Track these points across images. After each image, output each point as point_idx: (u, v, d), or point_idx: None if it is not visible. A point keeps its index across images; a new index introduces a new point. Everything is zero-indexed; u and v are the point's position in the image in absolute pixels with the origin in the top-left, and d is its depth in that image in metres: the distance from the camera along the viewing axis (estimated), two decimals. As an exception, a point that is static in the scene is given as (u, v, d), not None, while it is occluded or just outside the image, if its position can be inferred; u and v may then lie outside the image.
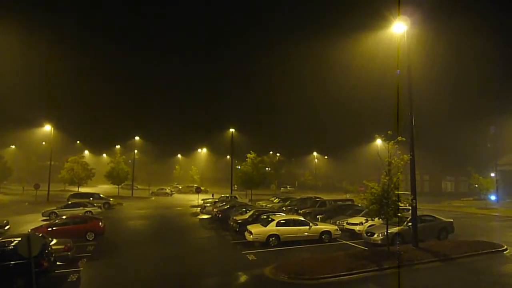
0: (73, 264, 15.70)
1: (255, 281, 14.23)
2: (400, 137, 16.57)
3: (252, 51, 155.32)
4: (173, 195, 64.96)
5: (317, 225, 21.50)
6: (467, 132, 65.71)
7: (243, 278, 14.72)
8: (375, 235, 19.17)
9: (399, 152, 16.86)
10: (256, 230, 19.89)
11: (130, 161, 67.97)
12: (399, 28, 18.17)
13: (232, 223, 24.54)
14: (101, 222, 22.15)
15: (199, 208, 37.98)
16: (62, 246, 15.74)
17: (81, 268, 15.43)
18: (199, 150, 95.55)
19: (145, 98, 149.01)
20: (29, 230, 20.12)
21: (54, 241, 15.86)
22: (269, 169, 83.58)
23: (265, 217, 22.46)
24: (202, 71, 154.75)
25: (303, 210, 31.70)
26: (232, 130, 51.37)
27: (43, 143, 75.73)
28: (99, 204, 35.63)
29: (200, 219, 32.56)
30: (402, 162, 16.56)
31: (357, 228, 22.31)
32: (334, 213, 27.93)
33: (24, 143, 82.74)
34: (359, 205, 27.66)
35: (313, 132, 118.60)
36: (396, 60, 19.16)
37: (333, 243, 20.51)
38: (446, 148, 70.12)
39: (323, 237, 20.66)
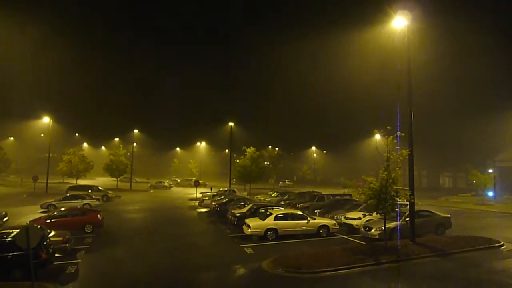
0: (72, 256, 15.75)
1: (253, 274, 14.30)
2: (399, 132, 16.57)
3: (251, 45, 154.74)
4: (171, 188, 65.01)
5: (315, 219, 21.57)
6: (466, 127, 65.72)
7: (240, 271, 14.80)
8: (373, 230, 19.24)
9: (398, 147, 16.86)
10: (254, 224, 19.95)
11: (128, 153, 67.94)
12: (399, 23, 18.08)
13: (230, 217, 24.58)
14: (100, 215, 22.15)
15: (197, 202, 38.06)
16: (61, 238, 15.77)
17: (80, 260, 15.48)
18: (198, 143, 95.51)
19: (144, 91, 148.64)
20: (28, 222, 20.09)
21: (53, 233, 15.86)
22: (268, 163, 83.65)
23: (263, 211, 22.49)
24: (201, 64, 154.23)
25: (301, 204, 31.75)
26: (231, 124, 51.28)
27: (42, 135, 75.59)
28: (98, 197, 35.63)
29: (199, 212, 32.62)
30: (401, 158, 16.57)
31: (355, 222, 22.39)
32: (332, 207, 27.97)
33: (22, 135, 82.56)
34: (357, 199, 27.73)
35: (312, 127, 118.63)
36: (397, 55, 19.11)
37: (331, 237, 20.59)
38: (445, 143, 70.20)
39: (321, 231, 20.73)
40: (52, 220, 20.54)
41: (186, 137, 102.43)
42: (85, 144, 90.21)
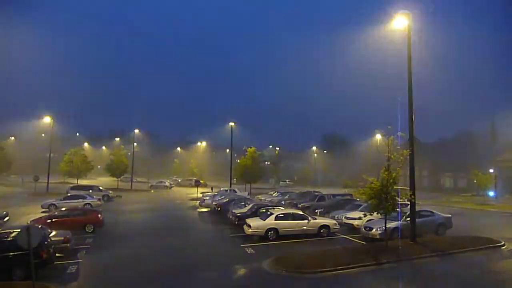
0: (72, 256, 15.75)
1: (254, 274, 14.30)
2: (400, 133, 16.58)
3: (252, 45, 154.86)
4: (172, 188, 65.00)
5: (315, 219, 21.55)
6: (467, 127, 65.70)
7: (241, 271, 14.79)
8: (374, 230, 19.21)
9: (398, 147, 16.85)
10: (255, 224, 19.94)
11: (129, 153, 68.01)
12: (400, 23, 18.06)
13: (231, 217, 24.58)
14: (100, 215, 22.19)
15: (198, 201, 38.05)
16: (61, 238, 15.76)
17: (80, 260, 15.49)
18: (199, 143, 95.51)
19: (145, 91, 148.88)
20: (29, 222, 20.19)
21: (54, 232, 15.87)
22: (269, 163, 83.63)
23: (264, 210, 22.50)
24: (203, 64, 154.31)
25: (302, 204, 31.75)
26: (232, 123, 51.28)
27: (43, 135, 75.62)
28: (99, 197, 35.64)
29: (199, 212, 32.64)
30: (401, 157, 16.55)
31: (355, 222, 22.37)
32: (332, 207, 27.99)
33: (23, 135, 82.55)
34: (358, 199, 27.71)
35: (313, 127, 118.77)
36: (397, 54, 19.10)
37: (332, 237, 20.56)
38: (446, 143, 70.15)
39: (322, 231, 20.70)
40: (53, 220, 20.56)
41: (187, 137, 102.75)
42: (85, 144, 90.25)
